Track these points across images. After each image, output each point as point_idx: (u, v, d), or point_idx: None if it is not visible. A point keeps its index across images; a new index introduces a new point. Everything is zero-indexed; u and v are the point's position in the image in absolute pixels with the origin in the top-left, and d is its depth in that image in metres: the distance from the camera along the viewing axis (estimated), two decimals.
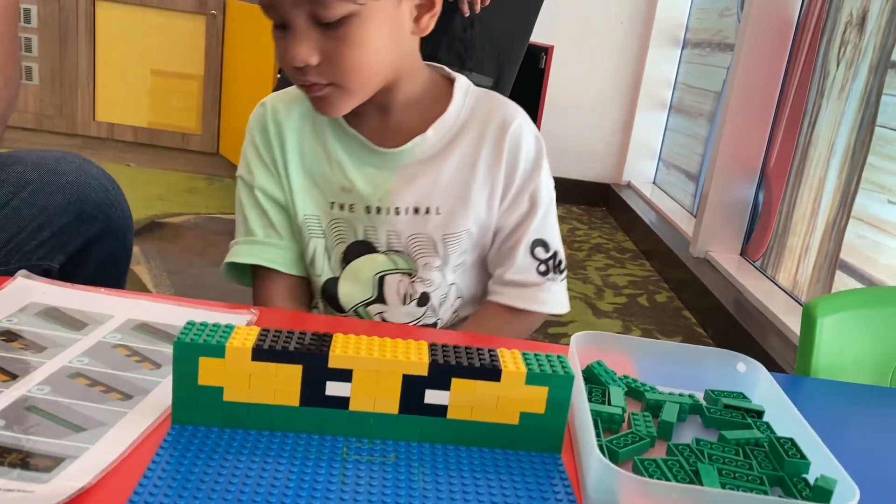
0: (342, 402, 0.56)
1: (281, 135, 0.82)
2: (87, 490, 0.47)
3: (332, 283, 0.85)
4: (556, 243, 0.84)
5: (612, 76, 3.68)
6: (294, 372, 0.55)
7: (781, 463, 0.56)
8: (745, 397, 0.67)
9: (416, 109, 0.82)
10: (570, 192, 3.76)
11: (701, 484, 0.52)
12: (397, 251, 0.83)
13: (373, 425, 0.56)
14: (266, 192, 0.83)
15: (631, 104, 3.70)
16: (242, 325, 0.57)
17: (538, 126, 2.89)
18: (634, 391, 0.67)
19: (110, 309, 0.73)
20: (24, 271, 0.76)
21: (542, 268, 0.82)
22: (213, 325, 0.56)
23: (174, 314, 0.73)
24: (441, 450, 0.56)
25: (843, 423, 0.74)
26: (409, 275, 0.83)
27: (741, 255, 2.62)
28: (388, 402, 0.56)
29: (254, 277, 0.87)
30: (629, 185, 3.75)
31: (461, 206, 0.81)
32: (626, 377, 0.68)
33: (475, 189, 0.81)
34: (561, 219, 3.46)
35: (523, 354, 0.58)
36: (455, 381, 0.56)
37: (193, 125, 3.34)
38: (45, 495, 0.45)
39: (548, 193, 0.84)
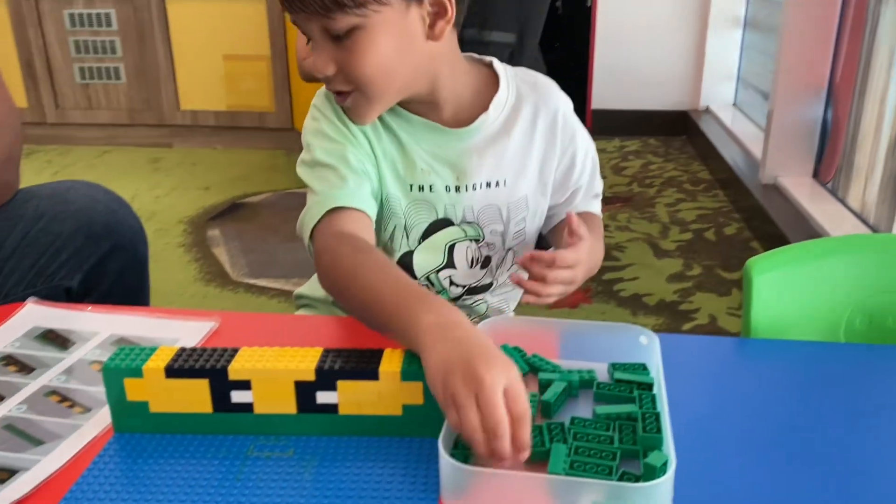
0: (247, 406, 0.65)
1: (367, 132, 0.86)
2: (32, 494, 0.58)
3: (408, 255, 0.92)
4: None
5: None
6: (202, 385, 0.64)
7: (639, 437, 0.61)
8: (644, 369, 0.71)
9: (468, 98, 0.87)
10: (646, 123, 3.67)
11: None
12: (469, 222, 0.90)
13: (276, 424, 0.65)
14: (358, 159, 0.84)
15: (702, 23, 3.53)
16: (166, 347, 0.67)
17: (591, 65, 2.84)
18: (535, 370, 0.72)
19: (98, 326, 0.85)
20: (32, 297, 0.89)
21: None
22: (139, 349, 0.66)
23: (150, 326, 0.85)
24: (335, 441, 0.64)
25: (774, 382, 0.76)
26: (476, 241, 0.92)
27: (814, 177, 2.50)
28: (286, 404, 0.65)
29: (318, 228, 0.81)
30: (708, 111, 3.61)
31: (521, 176, 0.89)
32: (534, 356, 0.74)
33: (532, 161, 0.90)
34: (636, 153, 3.43)
35: (406, 352, 0.65)
36: (340, 383, 0.64)
37: (267, 104, 3.50)
38: None
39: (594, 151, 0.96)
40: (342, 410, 0.65)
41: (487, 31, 1.80)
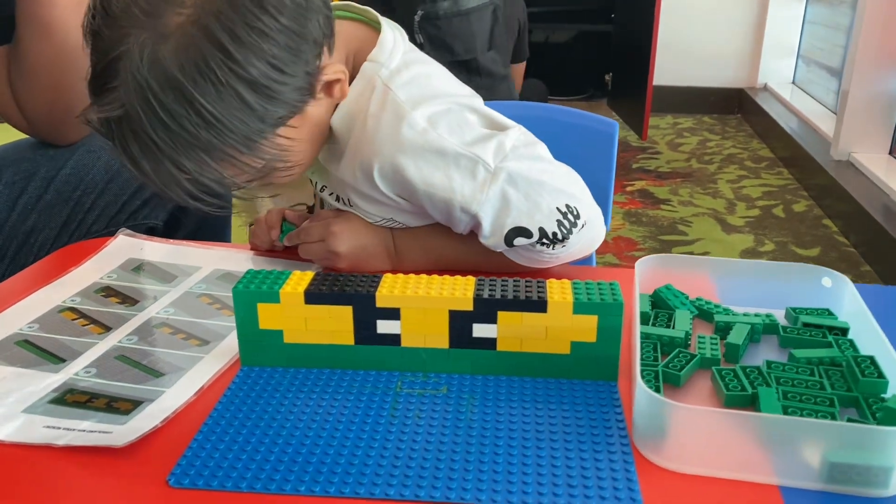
0: (394, 339, 0.57)
1: None
2: (163, 426, 0.51)
3: None
4: (539, 220, 0.67)
5: None
6: (345, 313, 0.57)
7: (857, 383, 0.52)
8: (830, 314, 0.63)
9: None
10: (700, 101, 3.55)
11: (758, 408, 0.50)
12: None
13: (425, 360, 0.58)
14: None
15: None
16: (299, 272, 0.59)
17: (655, 40, 2.73)
18: (706, 314, 0.64)
19: (199, 261, 0.78)
20: (125, 229, 0.83)
21: (537, 245, 0.69)
22: (271, 272, 0.59)
23: (256, 263, 0.78)
24: (493, 381, 0.57)
25: None
26: None
27: (890, 153, 2.39)
28: (438, 338, 0.57)
29: None
30: (766, 88, 3.49)
31: (366, 203, 0.74)
32: (699, 299, 0.65)
33: (371, 197, 0.73)
34: (691, 130, 3.31)
35: (573, 283, 0.57)
36: (501, 315, 0.56)
37: None
38: (120, 435, 0.50)
39: (484, 195, 0.67)
40: (500, 346, 0.57)
41: None
